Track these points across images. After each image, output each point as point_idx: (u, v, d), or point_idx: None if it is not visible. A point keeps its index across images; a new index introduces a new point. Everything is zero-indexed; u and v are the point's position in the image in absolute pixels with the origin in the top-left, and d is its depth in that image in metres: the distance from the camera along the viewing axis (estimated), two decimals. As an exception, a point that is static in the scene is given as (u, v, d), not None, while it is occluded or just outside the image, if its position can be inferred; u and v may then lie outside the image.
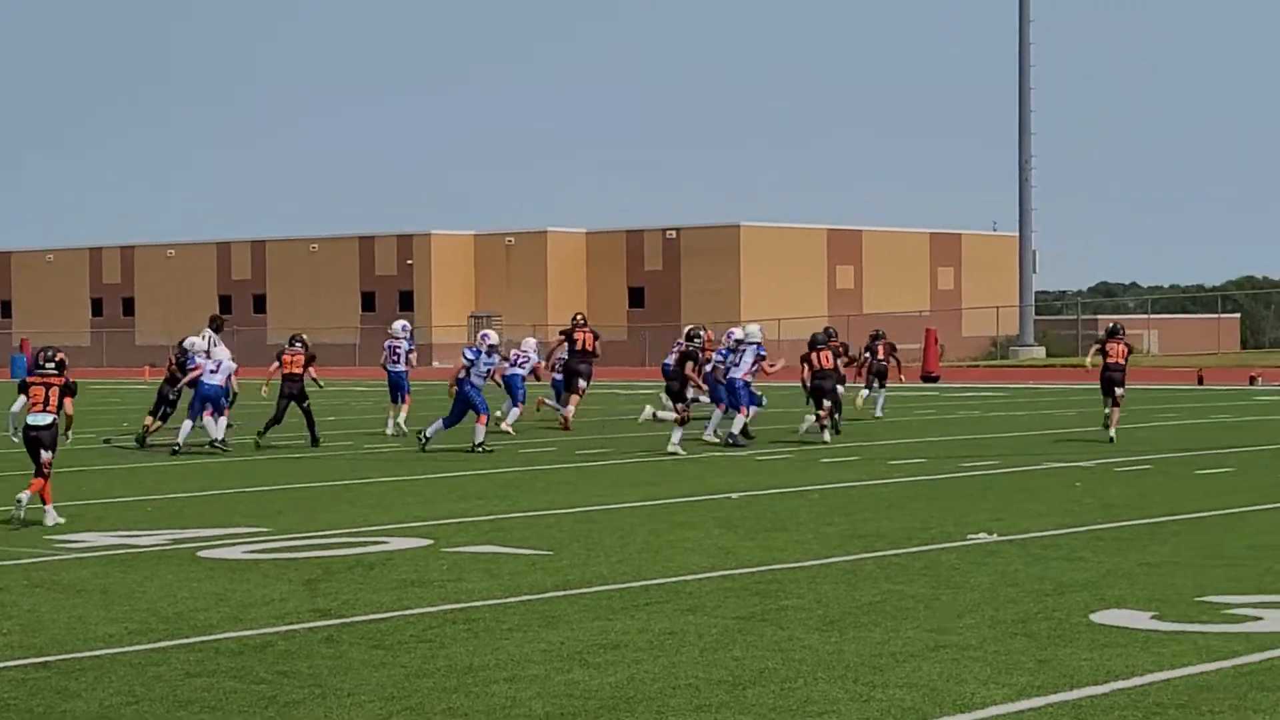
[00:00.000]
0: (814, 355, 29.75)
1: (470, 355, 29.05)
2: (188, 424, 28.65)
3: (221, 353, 29.15)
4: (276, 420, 29.68)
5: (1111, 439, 28.67)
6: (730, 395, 29.86)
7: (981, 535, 16.08)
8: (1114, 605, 12.06)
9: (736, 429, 29.07)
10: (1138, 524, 17.03)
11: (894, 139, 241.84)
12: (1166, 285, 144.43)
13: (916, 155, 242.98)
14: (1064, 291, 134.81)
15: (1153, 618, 11.55)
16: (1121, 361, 29.93)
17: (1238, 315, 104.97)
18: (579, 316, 36.98)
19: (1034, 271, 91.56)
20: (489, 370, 29.09)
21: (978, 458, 25.75)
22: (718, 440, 29.30)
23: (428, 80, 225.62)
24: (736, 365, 29.93)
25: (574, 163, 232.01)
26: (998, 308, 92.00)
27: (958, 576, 13.59)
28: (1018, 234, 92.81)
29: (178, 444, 28.25)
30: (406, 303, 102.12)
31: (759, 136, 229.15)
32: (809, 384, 29.98)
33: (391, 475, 24.33)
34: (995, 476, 22.82)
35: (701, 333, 30.03)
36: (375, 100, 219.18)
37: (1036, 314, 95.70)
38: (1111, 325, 30.90)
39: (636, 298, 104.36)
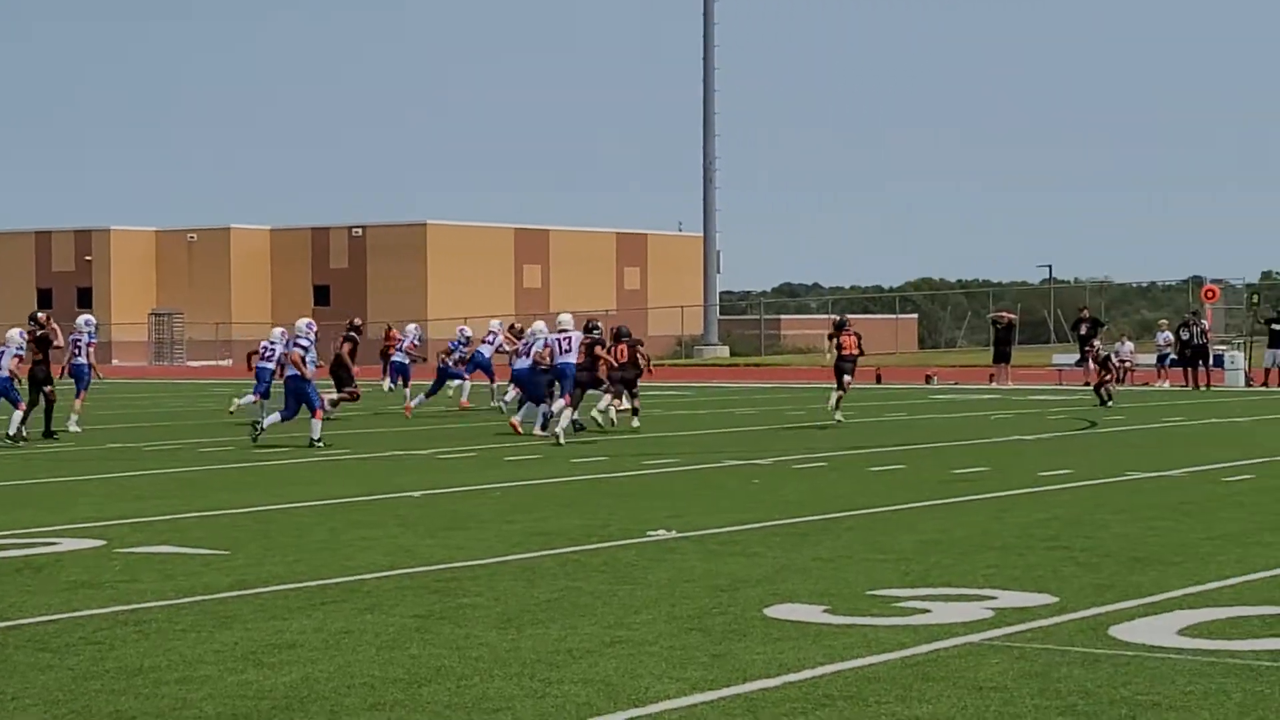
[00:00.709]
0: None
1: (304, 344, 29.17)
2: None
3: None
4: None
5: (839, 420, 32.63)
6: (561, 383, 30.83)
7: (660, 532, 16.23)
8: (787, 600, 12.25)
9: (565, 421, 29.72)
10: (813, 520, 17.32)
11: (581, 140, 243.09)
12: (847, 286, 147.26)
13: (603, 156, 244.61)
14: (748, 292, 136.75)
15: (825, 611, 11.75)
16: (854, 352, 33.83)
17: (915, 316, 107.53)
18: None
19: (718, 272, 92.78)
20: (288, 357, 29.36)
21: (659, 455, 25.99)
22: (546, 434, 30.12)
23: (106, 72, 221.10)
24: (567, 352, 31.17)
25: (258, 159, 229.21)
26: (683, 307, 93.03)
27: (636, 573, 13.69)
28: (702, 235, 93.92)
29: None
30: (85, 300, 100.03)
31: (445, 135, 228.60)
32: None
33: (64, 475, 23.80)
34: (676, 474, 23.05)
35: (599, 325, 32.33)
36: (52, 92, 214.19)
37: (721, 314, 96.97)
38: (839, 319, 34.30)
39: (322, 296, 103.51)
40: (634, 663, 10.10)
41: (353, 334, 38.73)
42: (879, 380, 56.79)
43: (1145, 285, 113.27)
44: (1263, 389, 52.40)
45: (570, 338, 31.50)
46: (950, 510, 18.27)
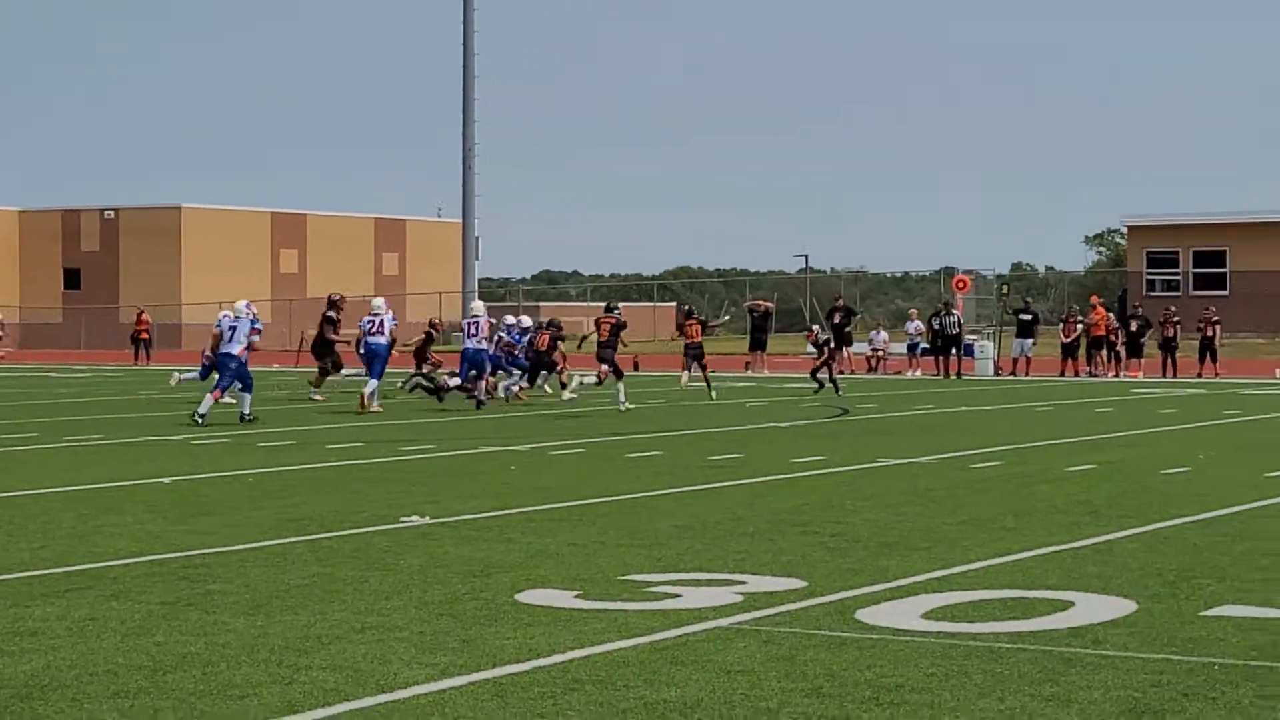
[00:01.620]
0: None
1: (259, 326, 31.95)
2: None
3: None
4: None
5: (713, 398, 37.77)
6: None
7: (414, 518, 16.17)
8: (540, 585, 12.27)
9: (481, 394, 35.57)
10: (568, 506, 17.36)
11: (339, 125, 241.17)
12: (607, 274, 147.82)
13: (362, 141, 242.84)
14: (508, 279, 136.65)
15: (576, 597, 11.79)
16: (698, 340, 39.29)
17: (674, 304, 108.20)
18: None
19: (477, 258, 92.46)
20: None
21: (416, 442, 25.89)
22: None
23: None
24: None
25: (6, 138, 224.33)
26: (441, 294, 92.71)
27: (388, 559, 13.63)
28: (461, 221, 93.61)
29: None
30: None
31: (202, 118, 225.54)
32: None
33: None
34: (432, 460, 22.98)
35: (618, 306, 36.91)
36: None
37: (480, 299, 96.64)
38: (687, 309, 40.50)
39: (72, 279, 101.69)
40: (383, 648, 10.05)
41: (331, 313, 39.88)
42: (636, 367, 57.03)
43: (900, 275, 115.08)
44: (1011, 378, 53.52)
45: (478, 321, 37.03)
46: (704, 496, 18.43)
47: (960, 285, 60.75)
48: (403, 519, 16.12)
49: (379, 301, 36.78)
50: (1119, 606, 11.36)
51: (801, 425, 30.59)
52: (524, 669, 9.52)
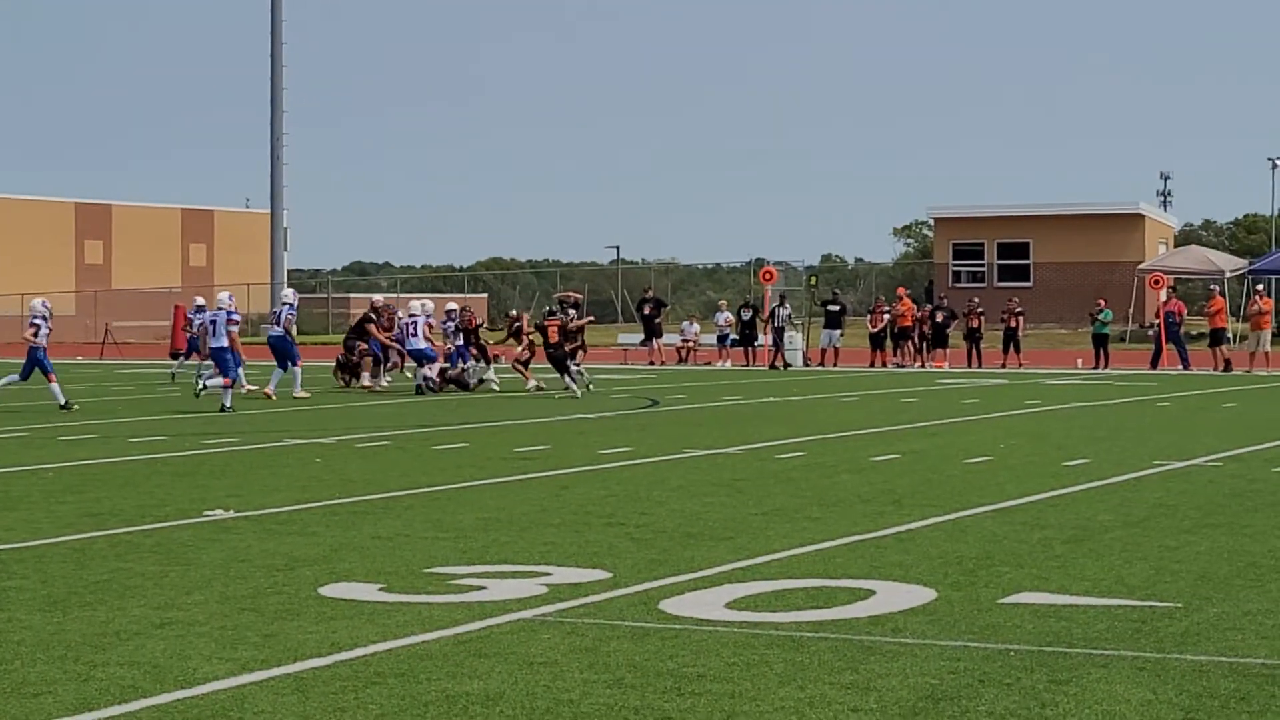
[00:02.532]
0: None
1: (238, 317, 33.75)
2: None
3: None
4: None
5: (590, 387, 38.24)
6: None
7: (218, 512, 16.01)
8: (343, 579, 12.20)
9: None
10: (373, 499, 17.28)
11: (146, 114, 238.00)
12: (419, 265, 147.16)
13: (168, 131, 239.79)
14: (319, 270, 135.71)
15: (380, 590, 11.74)
16: (558, 342, 38.17)
17: (486, 295, 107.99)
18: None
19: (285, 249, 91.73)
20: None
21: (219, 435, 25.63)
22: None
23: None
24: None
25: None
26: (249, 285, 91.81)
27: (190, 553, 13.48)
28: (270, 211, 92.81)
29: None
30: None
31: (1, 105, 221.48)
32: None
33: None
34: (237, 453, 22.76)
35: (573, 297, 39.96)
36: None
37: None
38: (549, 309, 39.04)
39: None
40: (183, 644, 9.94)
41: (371, 313, 41.57)
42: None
43: (711, 267, 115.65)
44: (819, 368, 54.01)
45: (416, 321, 38.88)
46: (511, 488, 18.42)
47: (767, 277, 61.17)
48: (206, 513, 15.96)
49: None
50: (919, 595, 11.51)
51: (610, 417, 30.67)
52: (326, 663, 9.46)
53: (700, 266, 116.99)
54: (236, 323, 33.05)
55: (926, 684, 8.96)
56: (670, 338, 60.33)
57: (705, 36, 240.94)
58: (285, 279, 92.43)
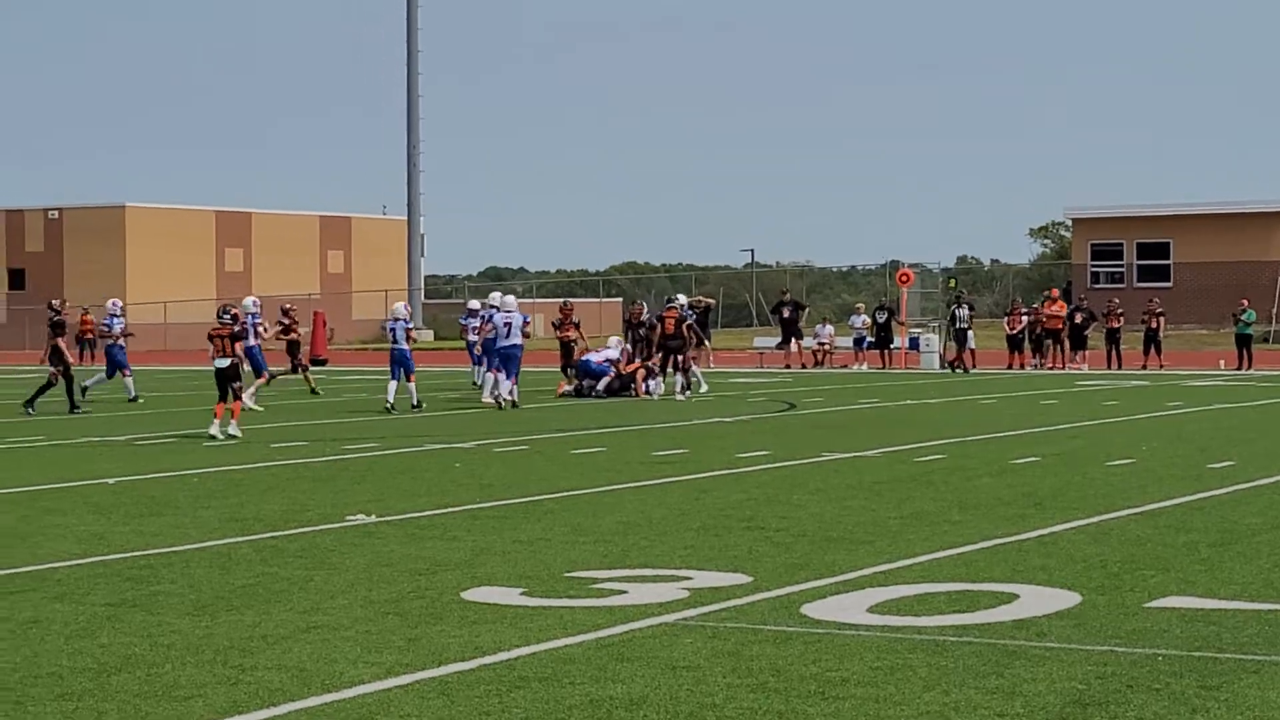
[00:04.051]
0: None
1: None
2: None
3: None
4: None
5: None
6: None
7: (360, 516, 16.13)
8: (485, 583, 12.26)
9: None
10: (513, 503, 17.34)
11: (284, 122, 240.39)
12: (553, 270, 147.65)
13: (306, 138, 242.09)
14: (454, 275, 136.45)
15: (522, 594, 11.79)
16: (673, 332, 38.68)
17: (620, 299, 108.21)
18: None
19: (422, 255, 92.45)
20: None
21: (361, 440, 25.83)
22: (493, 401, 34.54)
23: None
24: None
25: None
26: (386, 291, 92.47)
27: (333, 558, 13.60)
28: (406, 218, 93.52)
29: None
30: None
31: (147, 116, 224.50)
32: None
33: None
34: (377, 458, 22.92)
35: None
36: None
37: (426, 297, 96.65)
38: (669, 297, 39.88)
39: (17, 280, 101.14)
40: (328, 648, 10.03)
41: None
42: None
43: (845, 269, 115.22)
44: (957, 371, 53.62)
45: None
46: (650, 492, 18.43)
47: (904, 279, 60.86)
48: (348, 518, 16.09)
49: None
50: (1063, 599, 11.42)
51: (747, 420, 30.63)
52: (470, 667, 9.51)
53: (835, 269, 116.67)
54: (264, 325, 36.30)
55: (1073, 689, 8.88)
56: (805, 341, 60.16)
57: (839, 37, 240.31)
58: (422, 285, 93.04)
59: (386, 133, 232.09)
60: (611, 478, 19.82)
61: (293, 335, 40.24)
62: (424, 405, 34.07)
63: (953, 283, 66.63)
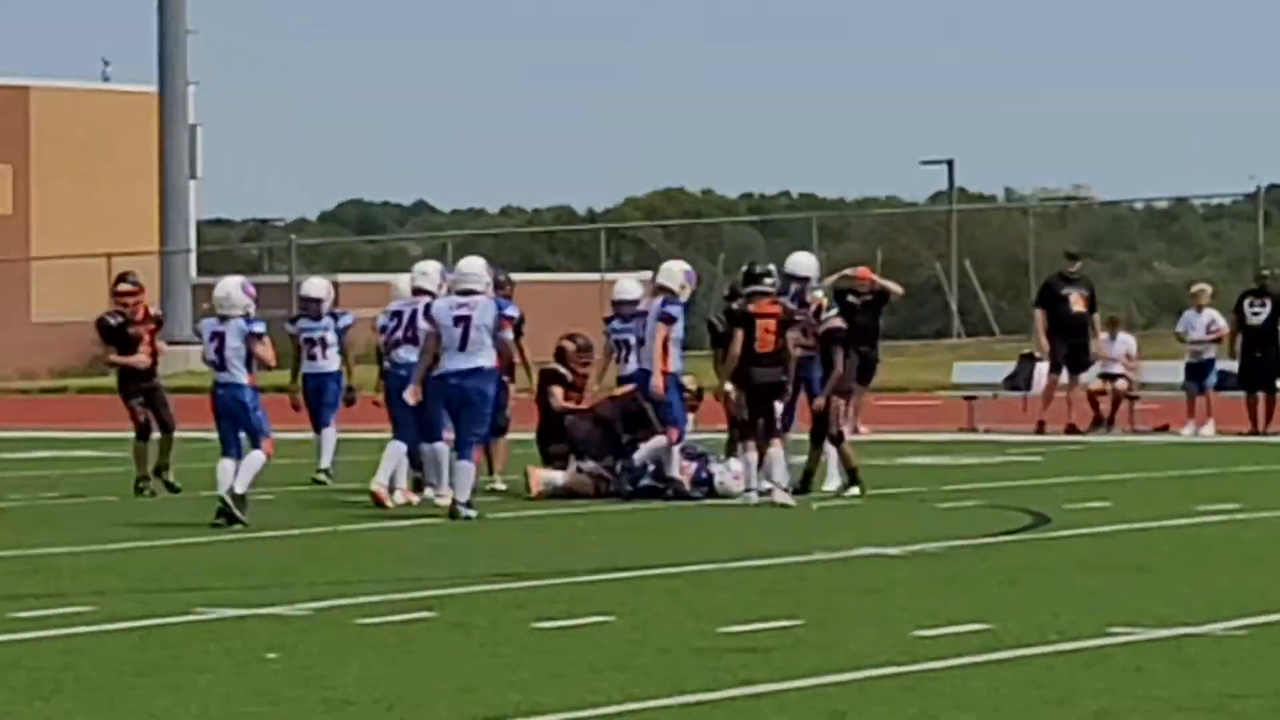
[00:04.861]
0: None
1: None
2: None
3: None
4: None
5: None
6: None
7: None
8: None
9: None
10: None
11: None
12: (447, 210, 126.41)
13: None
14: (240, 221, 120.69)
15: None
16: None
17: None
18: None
19: (193, 177, 78.00)
20: None
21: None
22: None
23: None
24: None
25: None
26: (110, 256, 74.65)
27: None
28: (158, 89, 79.87)
29: None
30: None
31: None
32: None
33: None
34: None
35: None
36: None
37: (199, 269, 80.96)
38: None
39: None
40: None
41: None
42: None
43: (1170, 202, 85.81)
44: None
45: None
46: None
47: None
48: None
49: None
50: None
51: (938, 554, 13.82)
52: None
53: (1141, 203, 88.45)
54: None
55: None
56: (1086, 373, 46.01)
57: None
58: (194, 240, 79.92)
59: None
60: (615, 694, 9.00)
61: None
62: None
63: None
